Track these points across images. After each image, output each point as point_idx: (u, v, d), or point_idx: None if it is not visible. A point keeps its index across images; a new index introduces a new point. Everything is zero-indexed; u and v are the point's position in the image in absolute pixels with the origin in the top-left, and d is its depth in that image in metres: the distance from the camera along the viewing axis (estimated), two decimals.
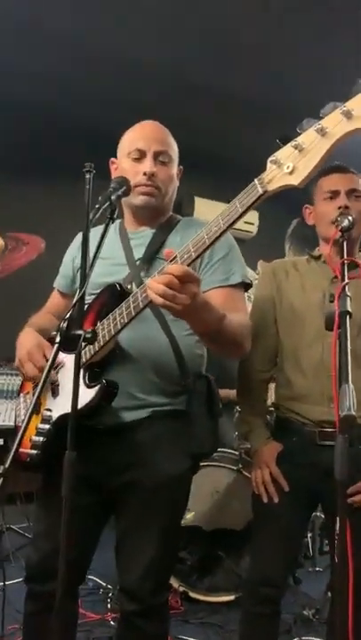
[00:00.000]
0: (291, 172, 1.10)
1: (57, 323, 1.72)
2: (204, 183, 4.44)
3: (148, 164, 1.53)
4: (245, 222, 4.84)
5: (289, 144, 1.11)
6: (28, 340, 1.53)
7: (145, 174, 1.52)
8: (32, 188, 4.44)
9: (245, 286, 1.57)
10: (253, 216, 4.95)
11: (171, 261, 1.19)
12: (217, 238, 1.16)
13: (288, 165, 1.10)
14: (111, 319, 1.36)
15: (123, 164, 1.58)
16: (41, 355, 1.48)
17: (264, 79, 3.57)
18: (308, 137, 1.09)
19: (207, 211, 4.77)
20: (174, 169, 1.60)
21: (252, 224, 4.91)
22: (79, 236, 1.74)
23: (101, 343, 1.37)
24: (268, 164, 1.13)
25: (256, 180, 1.13)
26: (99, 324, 1.39)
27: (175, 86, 3.67)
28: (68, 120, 3.97)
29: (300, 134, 1.10)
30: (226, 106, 3.88)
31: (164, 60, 3.40)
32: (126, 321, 1.32)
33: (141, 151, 1.55)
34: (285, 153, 1.11)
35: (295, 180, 1.10)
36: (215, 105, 3.90)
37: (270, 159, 1.12)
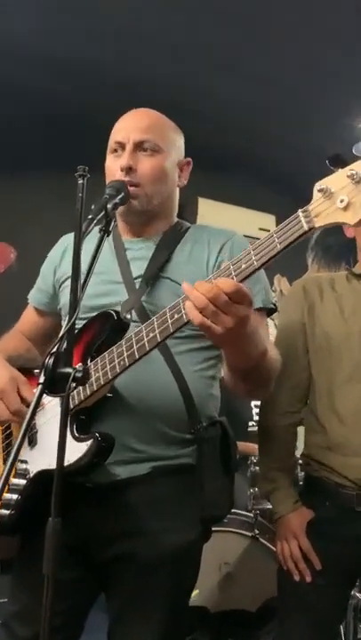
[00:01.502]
0: (345, 208, 1.06)
1: (29, 346, 1.74)
2: (208, 182, 4.49)
3: (124, 157, 1.54)
4: (261, 229, 4.89)
5: (343, 171, 1.07)
6: None
7: (121, 170, 1.53)
8: (6, 188, 4.48)
9: (269, 312, 1.58)
10: (270, 221, 5.01)
11: (219, 274, 1.19)
12: (247, 277, 1.17)
13: (342, 199, 1.06)
14: (107, 359, 1.36)
15: (107, 164, 1.60)
16: (15, 393, 1.48)
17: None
18: None
19: (211, 212, 4.83)
20: (167, 161, 1.58)
21: (269, 231, 4.94)
22: (63, 241, 1.75)
23: (94, 388, 1.37)
24: (316, 193, 1.09)
25: (300, 213, 1.10)
26: (90, 364, 1.39)
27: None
28: (57, 104, 4.03)
29: (353, 158, 1.07)
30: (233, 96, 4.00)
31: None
32: (127, 364, 1.32)
33: (121, 143, 1.56)
34: (338, 182, 1.07)
35: (351, 219, 1.06)
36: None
37: (318, 187, 1.09)
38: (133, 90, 3.38)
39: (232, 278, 1.17)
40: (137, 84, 3.69)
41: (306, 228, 1.10)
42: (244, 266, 1.16)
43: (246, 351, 1.28)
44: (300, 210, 1.11)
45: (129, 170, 1.52)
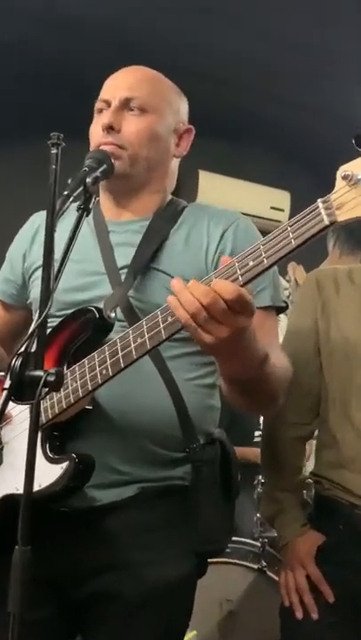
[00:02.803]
0: None
1: None
2: (211, 152, 4.48)
3: (105, 115, 1.55)
4: (273, 208, 4.88)
5: None
6: None
7: (102, 129, 1.53)
8: None
9: (278, 310, 1.58)
10: (284, 199, 5.00)
11: (221, 273, 1.18)
12: (254, 277, 1.16)
13: None
14: (87, 367, 1.35)
15: (91, 128, 1.60)
16: None
17: None
18: None
19: (215, 188, 4.81)
20: (159, 123, 1.58)
21: (282, 210, 4.96)
22: (34, 220, 1.74)
23: (72, 400, 1.36)
24: (339, 180, 1.09)
25: (320, 203, 1.10)
26: (67, 372, 1.38)
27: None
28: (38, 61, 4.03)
29: None
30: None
31: None
32: (111, 374, 1.31)
33: (107, 101, 1.57)
34: None
35: None
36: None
37: (342, 173, 1.08)
38: (128, 47, 3.40)
39: (237, 278, 1.15)
40: (134, 42, 3.70)
41: (327, 221, 1.09)
42: (251, 264, 1.15)
43: (242, 361, 1.27)
44: (319, 200, 1.10)
45: (110, 129, 1.52)
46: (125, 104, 1.55)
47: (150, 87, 1.59)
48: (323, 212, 1.10)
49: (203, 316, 1.14)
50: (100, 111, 1.59)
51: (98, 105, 1.60)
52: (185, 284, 1.16)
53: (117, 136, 1.53)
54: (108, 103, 1.57)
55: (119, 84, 1.58)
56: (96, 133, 1.56)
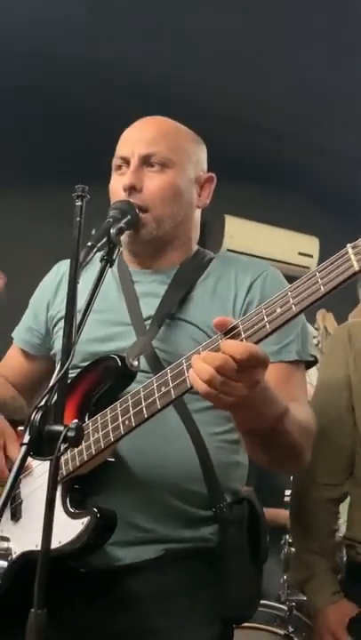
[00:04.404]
0: None
1: (14, 393, 1.75)
2: (238, 197, 4.52)
3: (127, 175, 1.55)
4: (301, 254, 4.89)
5: None
6: None
7: (124, 190, 1.54)
8: None
9: (307, 365, 1.58)
10: (312, 244, 5.01)
11: (226, 334, 1.19)
12: (282, 325, 1.17)
13: None
14: (109, 417, 1.36)
15: (110, 184, 1.62)
16: (1, 451, 1.48)
17: None
18: None
19: (241, 233, 4.84)
20: (180, 177, 1.59)
21: (311, 256, 4.97)
22: (59, 269, 1.76)
23: (93, 452, 1.36)
24: None
25: (350, 249, 1.11)
26: (88, 422, 1.39)
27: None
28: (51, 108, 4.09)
29: None
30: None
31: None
32: (134, 425, 1.32)
33: (125, 159, 1.58)
34: None
35: None
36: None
37: None
38: (157, 92, 3.50)
39: (264, 326, 1.16)
40: (157, 85, 3.81)
41: (357, 267, 1.09)
42: (279, 310, 1.16)
43: (258, 412, 1.27)
44: (349, 245, 1.11)
45: (133, 190, 1.53)
46: (145, 161, 1.56)
47: (169, 140, 1.60)
48: (353, 257, 1.10)
49: (218, 380, 1.15)
50: (119, 167, 1.60)
51: (116, 162, 1.61)
52: (200, 357, 1.17)
53: (139, 196, 1.53)
54: (127, 160, 1.58)
55: (137, 140, 1.59)
56: (118, 192, 1.56)
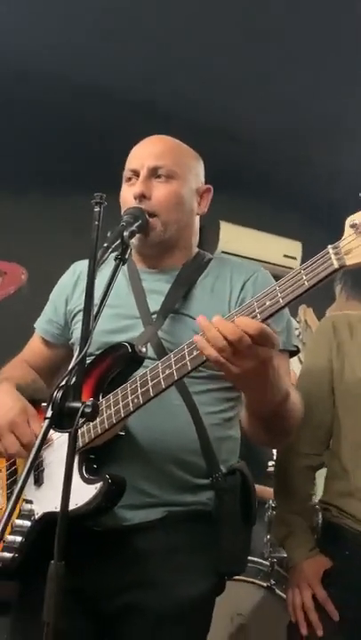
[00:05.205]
0: None
1: (35, 376, 1.75)
2: (232, 205, 4.52)
3: (137, 184, 1.57)
4: (286, 256, 4.89)
5: None
6: (7, 403, 1.52)
7: (134, 198, 1.55)
8: (12, 205, 4.55)
9: (291, 354, 1.59)
10: (296, 248, 5.01)
11: (241, 312, 1.20)
12: (271, 315, 1.18)
13: None
14: (120, 396, 1.37)
15: (121, 194, 1.63)
16: (27, 426, 1.48)
17: None
18: None
19: (234, 238, 4.84)
20: (184, 187, 1.60)
21: (294, 258, 4.96)
22: (75, 268, 1.77)
23: (106, 426, 1.38)
24: (348, 229, 1.11)
25: (330, 249, 1.13)
26: (102, 400, 1.40)
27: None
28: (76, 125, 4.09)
29: None
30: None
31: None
32: (141, 402, 1.33)
33: (135, 171, 1.60)
34: None
35: None
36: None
37: (350, 222, 1.11)
38: (156, 109, 3.48)
39: (255, 316, 1.18)
40: (160, 103, 3.79)
41: (336, 265, 1.11)
42: (268, 303, 1.18)
43: (268, 395, 1.29)
44: (330, 246, 1.12)
45: (142, 197, 1.54)
46: (153, 172, 1.58)
47: (174, 155, 1.62)
48: (333, 256, 1.12)
49: (229, 351, 1.16)
50: (129, 179, 1.61)
51: (126, 174, 1.62)
52: (210, 322, 1.18)
53: (148, 203, 1.55)
54: (137, 172, 1.59)
55: (145, 154, 1.60)
56: (128, 200, 1.57)
